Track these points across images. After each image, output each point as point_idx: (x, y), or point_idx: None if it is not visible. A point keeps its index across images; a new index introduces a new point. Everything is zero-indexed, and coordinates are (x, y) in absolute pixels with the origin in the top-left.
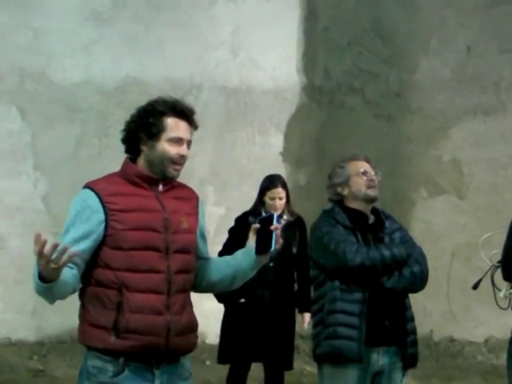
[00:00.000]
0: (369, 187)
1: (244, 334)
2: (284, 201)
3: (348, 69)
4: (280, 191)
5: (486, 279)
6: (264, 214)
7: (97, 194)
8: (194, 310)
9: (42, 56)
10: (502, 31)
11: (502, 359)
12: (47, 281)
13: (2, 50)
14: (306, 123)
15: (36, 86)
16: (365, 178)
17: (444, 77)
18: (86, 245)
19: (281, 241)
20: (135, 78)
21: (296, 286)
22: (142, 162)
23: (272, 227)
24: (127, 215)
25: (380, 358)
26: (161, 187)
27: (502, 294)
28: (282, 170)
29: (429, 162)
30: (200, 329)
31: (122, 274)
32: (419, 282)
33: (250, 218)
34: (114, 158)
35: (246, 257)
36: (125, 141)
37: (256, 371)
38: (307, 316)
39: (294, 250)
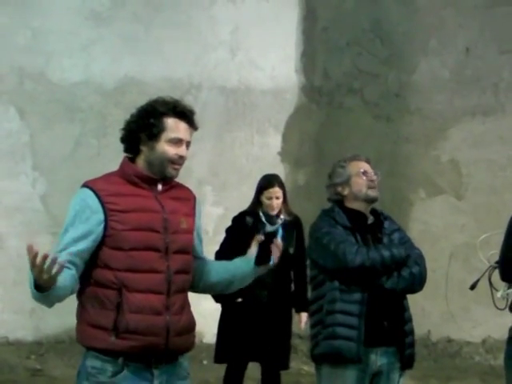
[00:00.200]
0: (369, 187)
1: (241, 333)
2: (281, 200)
3: (347, 69)
4: (277, 191)
5: (484, 280)
6: (269, 227)
7: (96, 193)
8: (192, 309)
9: (41, 56)
10: (502, 32)
11: (500, 360)
12: (43, 289)
13: (1, 49)
14: (305, 123)
15: (35, 86)
16: (365, 178)
17: (443, 77)
18: (85, 245)
19: (278, 254)
20: (134, 78)
21: (293, 285)
22: (141, 161)
23: (275, 242)
24: (127, 215)
25: (378, 359)
26: (160, 187)
27: (499, 295)
28: (280, 170)
29: (427, 162)
30: (197, 328)
31: (122, 274)
32: (418, 282)
33: (247, 218)
34: (113, 157)
35: (245, 264)
36: (124, 140)
37: (253, 371)
38: (304, 316)
39: (291, 250)
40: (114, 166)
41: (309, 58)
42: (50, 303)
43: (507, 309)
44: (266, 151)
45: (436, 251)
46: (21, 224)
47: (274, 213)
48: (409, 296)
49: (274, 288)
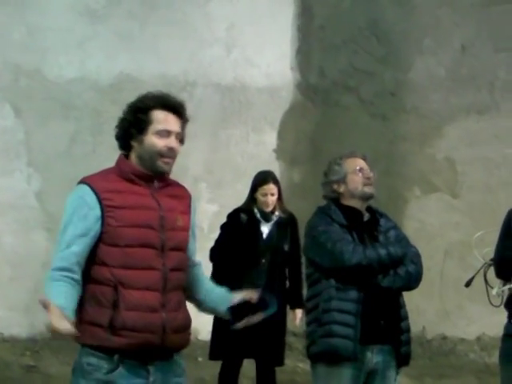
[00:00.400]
0: (365, 185)
1: (235, 330)
2: (276, 197)
3: (343, 67)
4: (272, 187)
5: (479, 277)
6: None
7: (93, 190)
8: (188, 306)
9: (37, 53)
10: (497, 31)
11: (495, 357)
12: None
13: None
14: (301, 121)
15: (30, 83)
16: (361, 175)
17: (439, 76)
18: (85, 242)
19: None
20: (130, 75)
21: (288, 282)
22: (134, 158)
23: (257, 316)
24: (123, 212)
25: (374, 357)
26: (156, 184)
27: (494, 292)
28: (275, 167)
29: (423, 160)
30: (193, 325)
31: (118, 271)
32: (414, 280)
33: (242, 215)
34: (109, 155)
35: (221, 302)
36: (117, 137)
37: (248, 368)
38: (299, 312)
39: (286, 247)
40: (110, 163)
41: (304, 56)
42: None
43: (502, 306)
44: (261, 149)
45: (431, 249)
46: (16, 221)
47: (269, 210)
48: (404, 293)
49: (268, 285)
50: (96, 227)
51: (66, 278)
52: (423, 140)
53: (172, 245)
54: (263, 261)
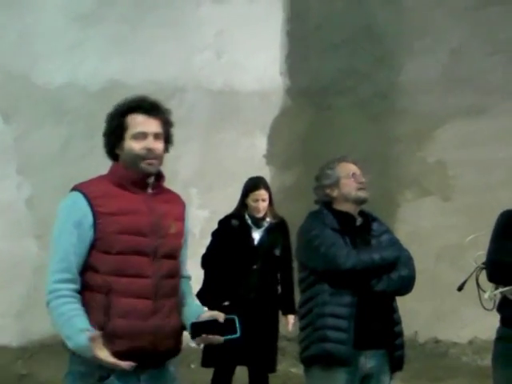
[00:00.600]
0: (359, 189)
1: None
2: (267, 203)
3: (335, 70)
4: (263, 193)
5: (471, 280)
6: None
7: (86, 196)
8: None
9: (27, 57)
10: (489, 33)
11: (487, 360)
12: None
13: None
14: (291, 125)
15: (20, 88)
16: (355, 179)
17: (431, 78)
18: (82, 250)
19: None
20: (121, 80)
21: (279, 287)
22: (121, 165)
23: (217, 337)
24: (116, 219)
25: (368, 361)
26: (149, 190)
27: (486, 296)
28: (266, 172)
29: (414, 163)
30: (185, 332)
31: (110, 278)
32: (407, 285)
33: (233, 221)
34: (100, 160)
35: (192, 317)
36: (104, 148)
37: (241, 374)
38: (291, 318)
39: (277, 253)
40: (101, 169)
41: (294, 60)
42: None
43: (494, 309)
44: (252, 153)
45: (423, 252)
46: (6, 227)
47: (260, 215)
48: (396, 297)
49: (260, 290)
50: (90, 234)
51: (73, 291)
52: (415, 143)
53: (164, 252)
54: (255, 267)
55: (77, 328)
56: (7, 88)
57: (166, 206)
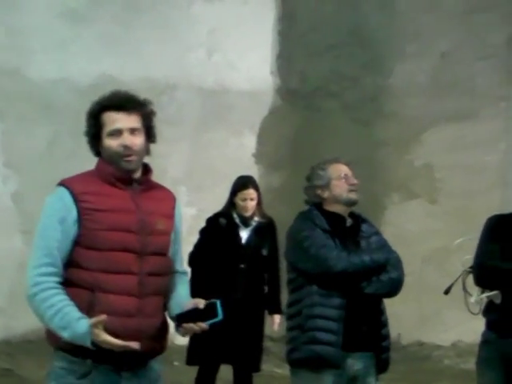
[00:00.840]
0: (350, 191)
1: (213, 335)
2: (255, 202)
3: (325, 72)
4: (251, 192)
5: (456, 284)
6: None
7: (71, 192)
8: None
9: (17, 53)
10: (477, 39)
11: (470, 363)
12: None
13: None
14: (280, 126)
15: (9, 83)
16: (346, 181)
17: (419, 82)
18: (66, 245)
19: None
20: (111, 77)
21: (266, 287)
22: (104, 161)
23: (200, 324)
24: (101, 215)
25: (355, 363)
26: (136, 186)
27: (473, 300)
28: (255, 171)
29: (402, 166)
30: (169, 330)
31: (95, 274)
32: (396, 287)
33: (221, 220)
34: (88, 157)
35: (178, 309)
36: (88, 144)
37: (225, 373)
38: (277, 318)
39: (265, 252)
40: (89, 165)
41: (285, 61)
42: None
43: (480, 313)
44: (241, 153)
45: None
46: None
47: (248, 214)
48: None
49: (247, 290)
50: (73, 230)
51: (58, 284)
52: (402, 146)
53: (151, 249)
54: (242, 266)
55: (73, 317)
56: None
57: (154, 203)
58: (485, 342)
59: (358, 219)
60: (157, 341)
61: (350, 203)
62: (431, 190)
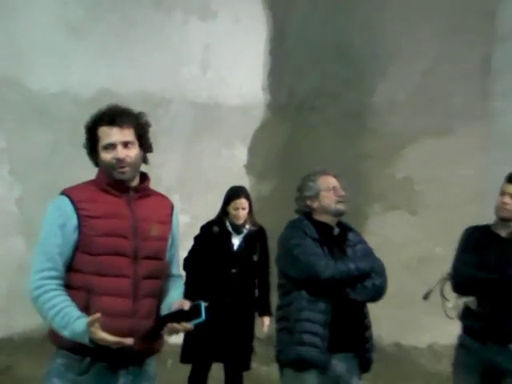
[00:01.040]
0: (338, 202)
1: (206, 335)
2: (246, 211)
3: (311, 89)
4: (243, 202)
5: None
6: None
7: (72, 200)
8: None
9: (20, 66)
10: (455, 60)
11: (445, 364)
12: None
13: None
14: (270, 139)
15: (13, 95)
16: (334, 193)
17: (400, 100)
18: (67, 250)
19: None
20: (109, 90)
21: (256, 291)
22: (102, 171)
23: (183, 324)
24: (97, 221)
25: (339, 364)
26: (132, 194)
27: (450, 305)
28: (245, 181)
29: (383, 179)
30: None
31: (91, 277)
32: (379, 293)
33: (215, 227)
34: (86, 165)
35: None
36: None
37: (217, 371)
38: (267, 320)
39: (255, 258)
40: (87, 173)
41: (274, 77)
42: None
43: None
44: (232, 163)
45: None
46: None
47: (240, 223)
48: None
49: (238, 293)
50: (74, 236)
51: (61, 286)
52: (384, 160)
53: (145, 253)
54: (233, 271)
55: (72, 316)
56: (1, 95)
57: (150, 209)
58: (461, 345)
59: (344, 228)
60: (149, 343)
61: (338, 214)
62: (411, 202)
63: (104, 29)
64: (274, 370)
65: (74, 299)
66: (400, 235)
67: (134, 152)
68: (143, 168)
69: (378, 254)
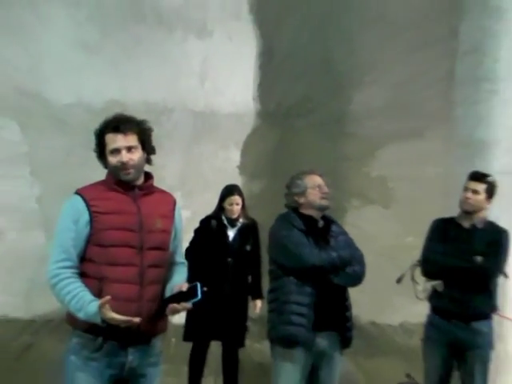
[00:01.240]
0: (322, 198)
1: (206, 317)
2: (240, 206)
3: (297, 98)
4: (237, 198)
5: (406, 275)
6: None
7: (84, 199)
8: None
9: (39, 79)
10: (424, 71)
11: (415, 339)
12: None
13: (5, 73)
14: (260, 143)
15: (33, 105)
16: (319, 190)
17: (375, 107)
18: (79, 243)
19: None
20: (117, 100)
21: (250, 277)
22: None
23: (183, 304)
24: (107, 217)
25: (322, 341)
26: (137, 192)
27: (420, 288)
28: (239, 180)
29: (360, 177)
30: None
31: (102, 267)
32: (359, 278)
33: (212, 221)
34: (97, 167)
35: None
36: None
37: (215, 348)
38: (259, 302)
39: (248, 248)
40: (98, 174)
41: (264, 88)
42: None
43: (426, 299)
44: (227, 164)
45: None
46: (19, 220)
47: (234, 217)
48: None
49: (233, 279)
50: (86, 230)
51: (75, 274)
52: (361, 160)
53: (150, 244)
54: (229, 259)
55: (86, 300)
56: (23, 105)
57: (153, 205)
58: (429, 323)
59: (328, 221)
60: (157, 323)
61: (322, 208)
62: (385, 197)
63: (113, 46)
64: (265, 346)
65: (87, 286)
66: (375, 227)
67: (137, 155)
68: (148, 168)
69: (356, 243)
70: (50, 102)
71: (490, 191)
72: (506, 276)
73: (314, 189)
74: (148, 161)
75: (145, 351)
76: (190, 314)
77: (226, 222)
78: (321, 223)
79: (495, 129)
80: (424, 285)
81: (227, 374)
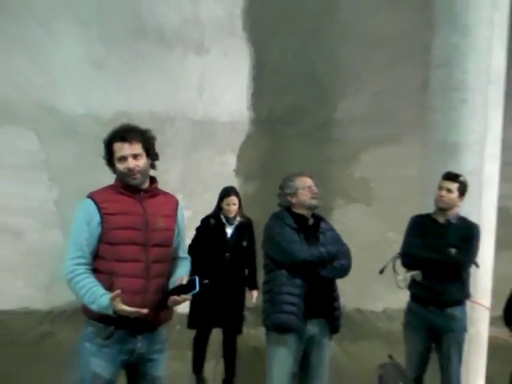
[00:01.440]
0: (312, 198)
1: (207, 306)
2: (237, 206)
3: (287, 106)
4: (234, 199)
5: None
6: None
7: (95, 201)
8: None
9: (54, 94)
10: (401, 82)
11: (396, 325)
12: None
13: (23, 88)
14: (254, 148)
15: (49, 118)
16: (309, 190)
17: (358, 115)
18: (92, 242)
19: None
20: (124, 111)
21: (246, 270)
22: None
23: (182, 296)
24: (115, 217)
25: (312, 328)
26: (142, 194)
27: (400, 278)
28: (235, 183)
29: (344, 178)
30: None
31: (112, 263)
32: (345, 271)
33: (211, 220)
34: (106, 172)
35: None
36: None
37: (216, 334)
38: (255, 293)
39: (244, 244)
40: (108, 179)
41: (257, 98)
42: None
43: (406, 288)
44: (224, 168)
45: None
46: (39, 221)
47: (232, 216)
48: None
49: (231, 272)
50: (98, 230)
51: (89, 270)
52: (345, 163)
53: (154, 242)
54: (227, 254)
55: (98, 293)
56: (40, 117)
57: (157, 206)
58: (409, 309)
59: (318, 219)
60: (161, 312)
61: (312, 207)
62: (367, 197)
63: (119, 62)
64: (261, 333)
65: (100, 281)
66: (359, 223)
67: (142, 162)
68: (152, 173)
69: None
70: (63, 114)
71: (462, 190)
72: (477, 266)
73: (305, 189)
74: (152, 166)
75: (152, 338)
76: (194, 304)
77: (224, 220)
78: (311, 221)
79: (466, 133)
80: (404, 275)
81: (227, 358)
